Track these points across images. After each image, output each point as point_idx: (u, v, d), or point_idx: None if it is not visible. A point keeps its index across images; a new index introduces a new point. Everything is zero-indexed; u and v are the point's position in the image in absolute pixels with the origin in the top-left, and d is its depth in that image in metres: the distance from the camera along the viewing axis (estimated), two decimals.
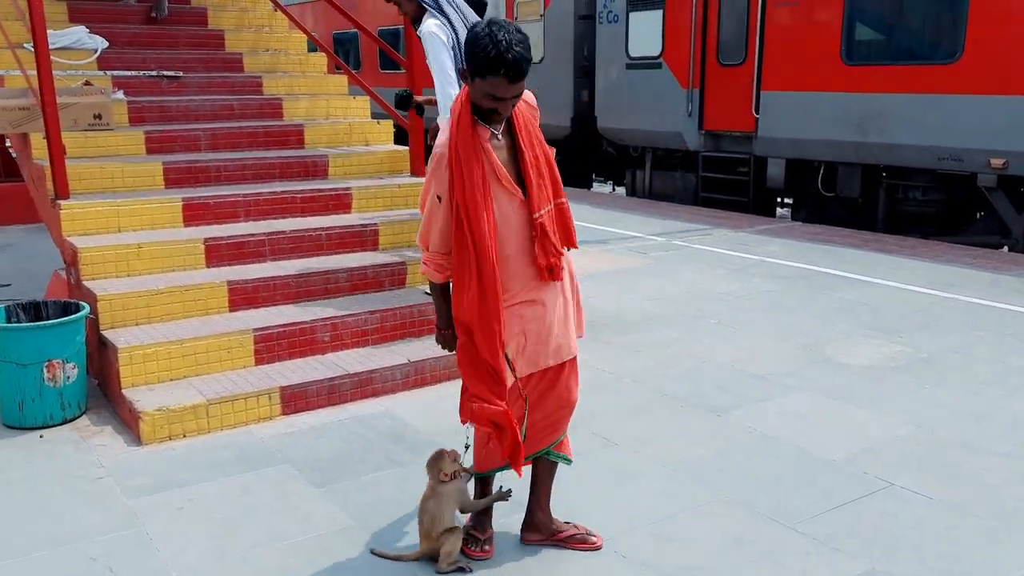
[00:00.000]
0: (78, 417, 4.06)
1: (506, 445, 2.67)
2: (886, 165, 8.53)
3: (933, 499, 3.27)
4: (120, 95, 5.59)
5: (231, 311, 4.53)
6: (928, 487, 3.36)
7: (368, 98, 6.42)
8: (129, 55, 6.17)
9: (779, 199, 10.50)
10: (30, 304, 4.20)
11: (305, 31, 7.04)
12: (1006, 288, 6.31)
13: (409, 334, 4.74)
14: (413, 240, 5.34)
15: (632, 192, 11.75)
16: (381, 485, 3.43)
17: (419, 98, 5.16)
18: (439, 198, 2.56)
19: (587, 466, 3.51)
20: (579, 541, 2.93)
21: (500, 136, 2.55)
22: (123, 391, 3.97)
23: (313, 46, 6.97)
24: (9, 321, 4.12)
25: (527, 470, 2.90)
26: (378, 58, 15.77)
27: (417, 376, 4.43)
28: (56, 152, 4.58)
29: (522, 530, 2.98)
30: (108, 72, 5.92)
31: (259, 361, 4.31)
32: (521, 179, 2.57)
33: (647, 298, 6.08)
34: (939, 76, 7.88)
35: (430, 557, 2.83)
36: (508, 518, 3.06)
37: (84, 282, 4.38)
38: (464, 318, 2.59)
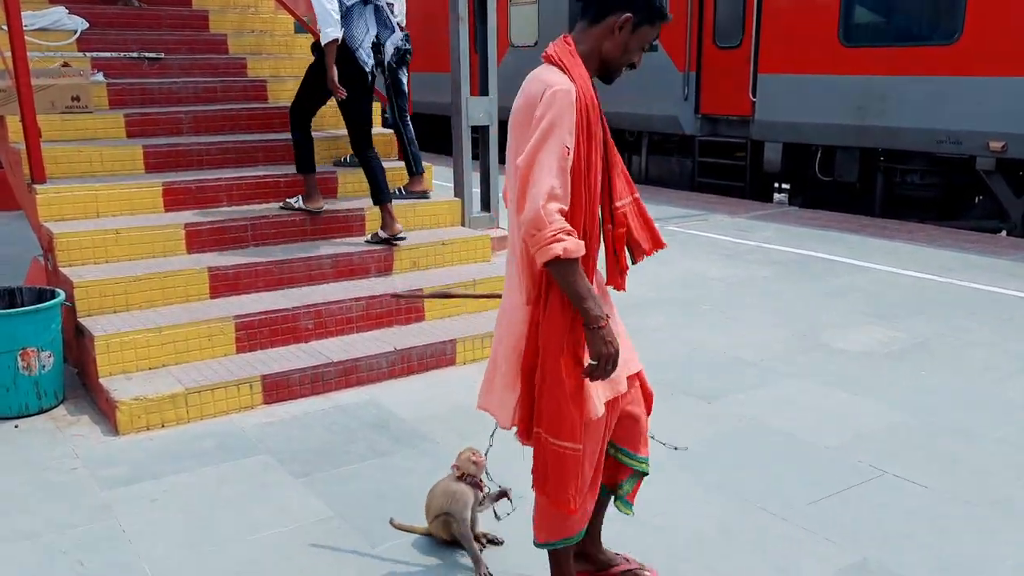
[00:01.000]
0: (55, 407, 3.97)
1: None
2: (884, 149, 8.41)
3: (926, 487, 3.19)
4: (99, 77, 5.48)
5: (212, 298, 4.44)
6: (921, 475, 3.28)
7: None
8: (110, 36, 6.05)
9: (776, 184, 10.39)
10: (4, 291, 4.11)
11: (291, 11, 6.92)
12: (1003, 273, 6.22)
13: (396, 321, 4.65)
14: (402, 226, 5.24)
15: None
16: (362, 476, 3.35)
17: None
18: (568, 148, 2.00)
19: None
20: None
21: None
22: (100, 380, 3.88)
23: (300, 27, 6.85)
24: None
25: None
26: None
27: (403, 364, 4.35)
28: (32, 135, 4.47)
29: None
30: (88, 53, 5.80)
31: (240, 349, 4.23)
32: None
33: (640, 283, 5.98)
34: (938, 58, 7.75)
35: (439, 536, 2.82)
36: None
37: (61, 268, 4.29)
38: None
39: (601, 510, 2.50)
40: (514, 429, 2.27)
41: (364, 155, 4.90)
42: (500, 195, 7.25)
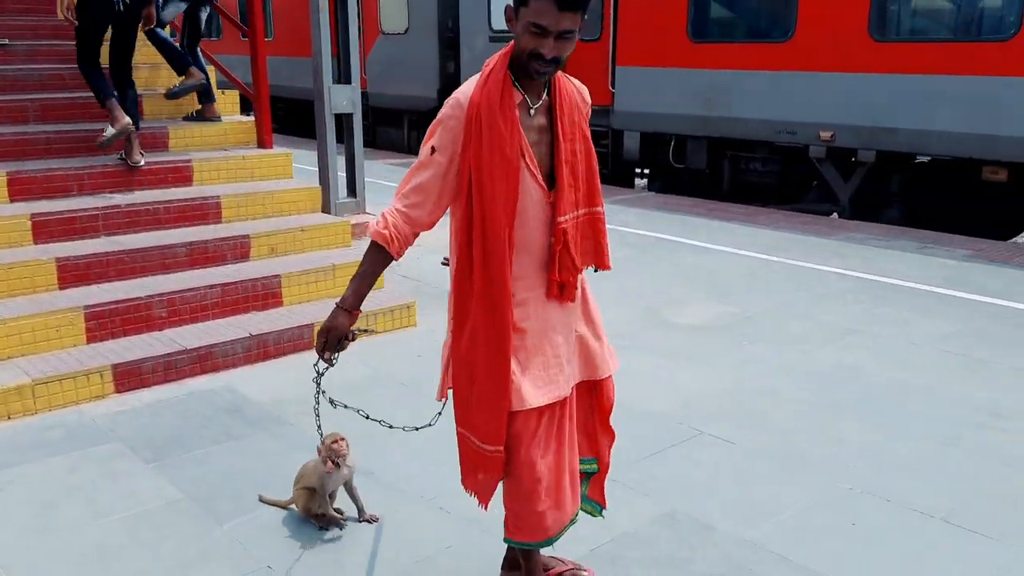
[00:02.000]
0: None
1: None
2: (729, 138, 9.00)
3: (734, 444, 3.58)
4: None
5: (61, 289, 4.40)
6: (731, 434, 3.67)
7: (214, 68, 6.28)
8: None
9: (639, 170, 10.91)
10: None
11: None
12: (828, 252, 6.83)
13: (253, 307, 4.73)
14: (258, 212, 5.32)
15: None
16: (214, 459, 3.46)
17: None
18: (433, 149, 2.07)
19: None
20: None
21: (534, 110, 2.08)
22: None
23: None
24: None
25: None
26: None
27: (259, 349, 4.44)
28: None
29: (503, 568, 2.60)
30: None
31: (91, 339, 4.22)
32: (552, 173, 2.12)
33: None
34: (775, 54, 8.36)
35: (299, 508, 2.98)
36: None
37: None
38: (464, 321, 2.15)
39: None
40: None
41: (88, 72, 4.98)
42: (364, 180, 7.37)
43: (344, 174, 7.37)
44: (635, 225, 7.68)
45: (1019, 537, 2.88)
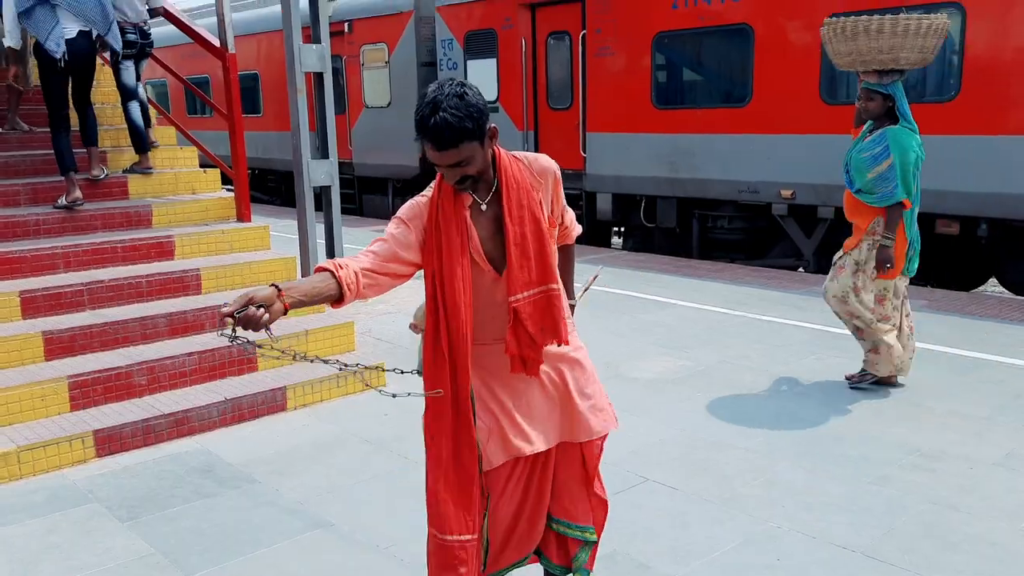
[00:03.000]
0: None
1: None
2: (696, 198, 9.38)
3: (677, 489, 3.81)
4: None
5: (47, 360, 4.66)
6: (675, 480, 3.90)
7: (196, 148, 6.67)
8: None
9: (616, 229, 11.28)
10: None
11: None
12: (788, 305, 7.12)
13: (230, 373, 4.99)
14: (237, 283, 5.62)
15: None
16: (186, 516, 3.68)
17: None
18: (389, 235, 2.27)
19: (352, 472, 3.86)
20: None
21: (484, 205, 2.28)
22: None
23: None
24: None
25: None
26: (185, 104, 17.18)
27: (235, 412, 4.69)
28: None
29: None
30: None
31: (75, 407, 4.47)
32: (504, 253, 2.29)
33: None
34: (734, 118, 8.79)
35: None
36: None
37: None
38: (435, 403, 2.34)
39: None
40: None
41: (54, 133, 5.57)
42: (343, 250, 7.70)
43: (323, 240, 7.70)
44: (605, 283, 7.99)
45: (940, 571, 3.10)
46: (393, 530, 3.46)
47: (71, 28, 5.40)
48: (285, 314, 2.07)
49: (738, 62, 8.76)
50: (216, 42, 6.30)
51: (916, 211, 4.78)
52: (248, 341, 2.18)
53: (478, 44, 11.36)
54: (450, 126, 2.05)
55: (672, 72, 9.50)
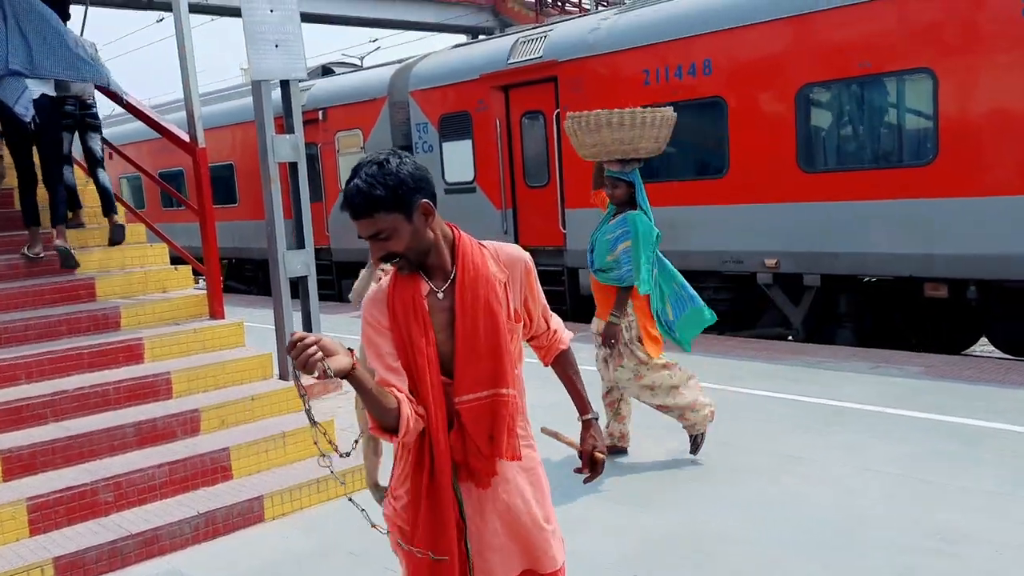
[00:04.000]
0: None
1: None
2: (680, 269, 9.24)
3: None
4: None
5: (6, 481, 4.35)
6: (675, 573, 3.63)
7: (167, 245, 6.48)
8: None
9: None
10: None
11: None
12: (781, 378, 6.93)
13: (203, 484, 4.69)
14: (209, 385, 5.36)
15: None
16: None
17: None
18: (389, 367, 2.07)
19: None
20: None
21: (441, 293, 2.09)
22: None
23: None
24: None
25: None
26: (160, 198, 17.19)
27: (208, 527, 4.38)
28: None
29: None
30: None
31: (34, 532, 4.15)
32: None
33: None
34: (714, 189, 8.76)
35: None
36: None
37: None
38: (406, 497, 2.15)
39: None
40: None
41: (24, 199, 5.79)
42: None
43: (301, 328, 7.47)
44: (588, 363, 7.76)
45: None
46: None
47: (34, 91, 5.46)
48: (346, 376, 1.87)
49: (714, 135, 8.77)
50: (186, 137, 6.18)
51: (662, 288, 5.16)
52: (297, 378, 1.95)
53: (453, 126, 11.39)
54: (360, 192, 1.95)
55: None
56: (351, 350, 1.92)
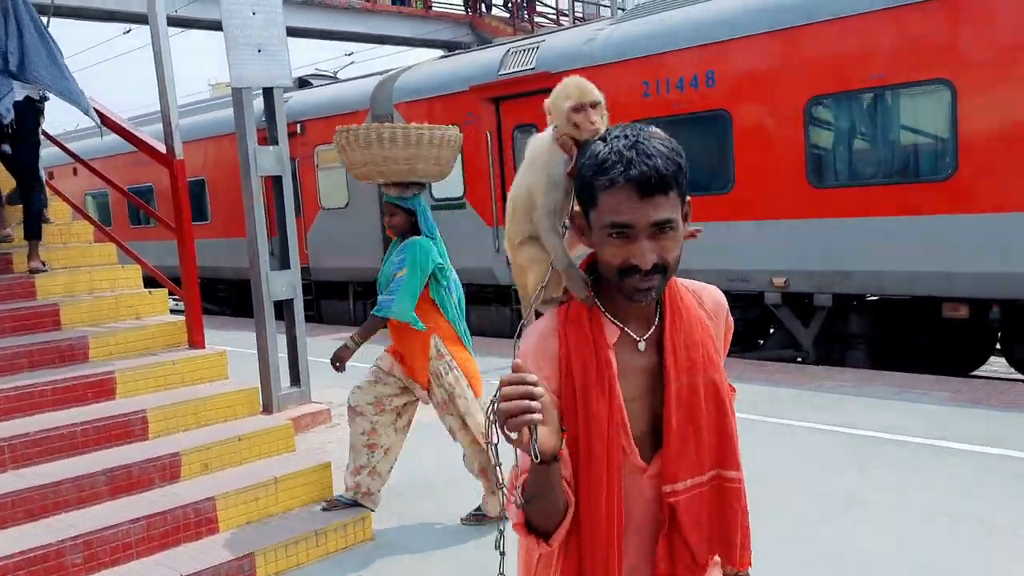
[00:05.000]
0: None
1: None
2: None
3: None
4: None
5: None
6: None
7: (140, 266, 5.93)
8: None
9: None
10: None
11: (62, 195, 6.50)
12: (803, 404, 6.51)
13: (184, 539, 4.13)
14: (190, 423, 4.81)
15: None
16: None
17: None
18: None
19: None
20: None
21: (643, 342, 1.54)
22: None
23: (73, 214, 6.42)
24: None
25: None
26: (128, 214, 16.53)
27: None
28: None
29: None
30: None
31: None
32: (658, 427, 1.53)
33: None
34: (719, 205, 8.37)
35: None
36: None
37: None
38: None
39: None
40: None
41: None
42: (308, 368, 6.93)
43: (287, 357, 6.93)
44: None
45: None
46: None
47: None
48: (549, 461, 1.37)
49: (718, 148, 8.39)
50: (162, 148, 5.64)
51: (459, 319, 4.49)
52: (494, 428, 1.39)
53: None
54: (661, 155, 1.43)
55: None
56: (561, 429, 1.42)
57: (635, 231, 1.41)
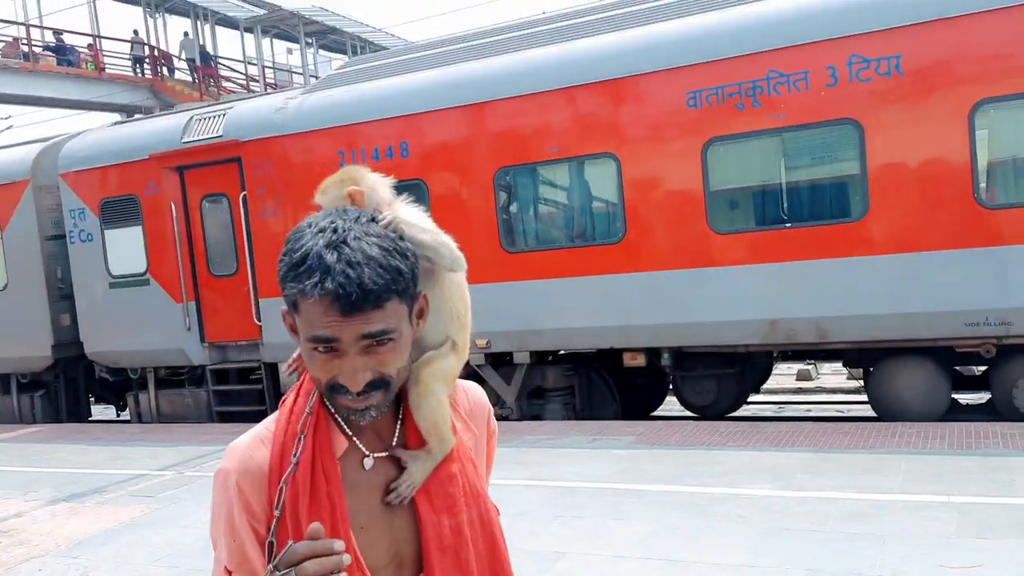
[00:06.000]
0: None
1: None
2: None
3: None
4: None
5: None
6: None
7: None
8: None
9: None
10: None
11: None
12: (511, 461, 6.74)
13: None
14: None
15: (138, 418, 10.54)
16: None
17: None
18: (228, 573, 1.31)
19: None
20: None
21: (370, 458, 1.31)
22: None
23: None
24: None
25: None
26: None
27: None
28: None
29: None
30: None
31: None
32: (419, 555, 1.31)
33: (155, 559, 5.18)
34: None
35: None
36: None
37: None
38: None
39: None
40: None
41: None
42: None
43: None
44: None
45: None
46: None
47: None
48: None
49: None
50: None
51: None
52: None
53: (117, 212, 10.02)
54: (368, 261, 1.19)
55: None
56: None
57: (342, 345, 1.19)
